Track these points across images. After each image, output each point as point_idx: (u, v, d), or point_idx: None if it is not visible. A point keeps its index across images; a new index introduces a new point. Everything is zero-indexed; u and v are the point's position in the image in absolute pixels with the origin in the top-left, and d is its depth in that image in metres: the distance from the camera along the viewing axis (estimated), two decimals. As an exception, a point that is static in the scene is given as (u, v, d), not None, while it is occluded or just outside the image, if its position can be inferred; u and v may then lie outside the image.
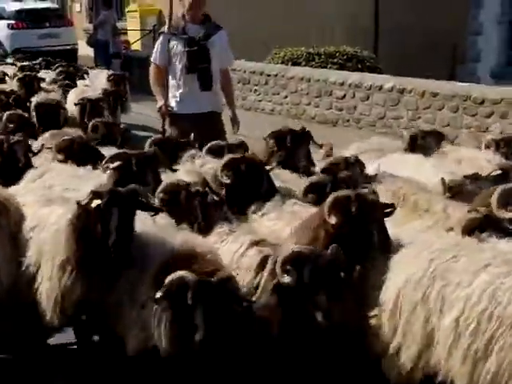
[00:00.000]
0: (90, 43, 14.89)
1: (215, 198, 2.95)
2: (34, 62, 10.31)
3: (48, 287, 2.90)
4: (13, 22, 15.95)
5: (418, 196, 3.29)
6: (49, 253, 2.95)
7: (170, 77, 4.72)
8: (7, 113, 5.28)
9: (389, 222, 2.63)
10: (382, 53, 13.34)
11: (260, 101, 10.87)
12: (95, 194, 2.44)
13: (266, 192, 3.11)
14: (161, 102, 4.59)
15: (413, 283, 2.26)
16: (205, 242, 2.66)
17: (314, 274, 2.20)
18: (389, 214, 2.62)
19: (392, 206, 2.66)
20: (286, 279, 2.21)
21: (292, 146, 3.84)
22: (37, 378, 3.25)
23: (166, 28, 4.80)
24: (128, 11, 16.17)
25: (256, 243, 2.71)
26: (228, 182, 3.15)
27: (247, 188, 3.15)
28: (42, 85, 7.73)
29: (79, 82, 8.34)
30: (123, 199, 2.47)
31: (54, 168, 3.76)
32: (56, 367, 3.35)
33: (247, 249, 2.70)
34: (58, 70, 9.10)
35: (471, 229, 2.53)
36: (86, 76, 9.16)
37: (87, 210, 2.51)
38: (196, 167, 3.76)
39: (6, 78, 8.66)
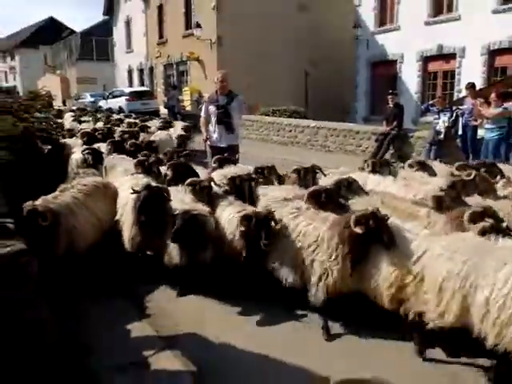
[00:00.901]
0: (165, 107, 21.46)
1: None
2: (142, 118, 13.38)
3: (126, 230, 4.30)
4: (128, 97, 22.10)
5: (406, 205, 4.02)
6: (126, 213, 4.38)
7: (210, 125, 6.84)
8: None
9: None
10: (309, 108, 19.73)
11: (249, 134, 15.97)
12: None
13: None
14: (204, 136, 6.87)
15: (453, 275, 2.75)
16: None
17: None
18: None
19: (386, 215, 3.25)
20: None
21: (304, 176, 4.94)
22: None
23: (207, 98, 7.34)
24: (184, 90, 23.10)
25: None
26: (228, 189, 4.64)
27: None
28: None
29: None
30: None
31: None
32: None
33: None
34: (160, 122, 12.37)
35: (483, 232, 2.96)
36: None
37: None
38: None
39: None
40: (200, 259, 3.86)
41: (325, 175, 5.20)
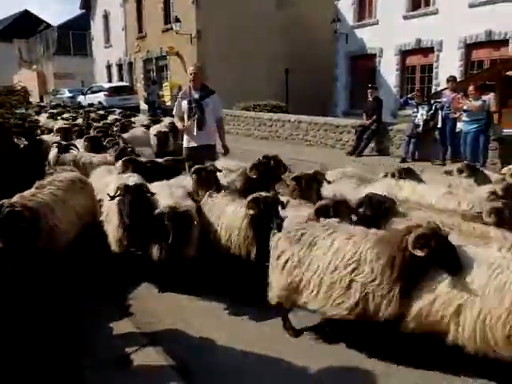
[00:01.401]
0: (145, 102, 21.58)
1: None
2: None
3: (112, 232, 4.20)
4: (107, 92, 22.00)
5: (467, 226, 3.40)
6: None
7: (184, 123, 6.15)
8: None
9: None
10: (290, 103, 19.72)
11: (231, 128, 15.71)
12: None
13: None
14: (181, 127, 6.21)
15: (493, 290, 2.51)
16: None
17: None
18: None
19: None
20: None
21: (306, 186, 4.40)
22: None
23: (180, 94, 6.53)
24: (164, 85, 22.76)
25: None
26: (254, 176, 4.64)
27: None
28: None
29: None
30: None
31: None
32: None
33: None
34: (147, 117, 12.84)
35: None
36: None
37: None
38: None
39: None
40: (184, 255, 3.83)
41: (329, 182, 4.70)
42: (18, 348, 2.77)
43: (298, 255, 3.17)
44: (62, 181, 4.53)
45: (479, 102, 8.45)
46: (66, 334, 3.26)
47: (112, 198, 4.10)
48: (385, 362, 3.04)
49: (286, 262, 3.22)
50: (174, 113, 6.46)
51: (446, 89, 10.71)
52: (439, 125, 9.98)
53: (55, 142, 6.77)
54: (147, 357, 3.06)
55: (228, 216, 4.07)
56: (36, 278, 3.45)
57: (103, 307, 3.83)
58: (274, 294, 3.34)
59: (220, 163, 5.50)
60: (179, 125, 6.38)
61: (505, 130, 9.53)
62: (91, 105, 20.22)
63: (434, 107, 10.28)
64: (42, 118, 11.98)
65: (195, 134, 6.05)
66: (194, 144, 6.10)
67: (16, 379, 2.61)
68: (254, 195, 3.77)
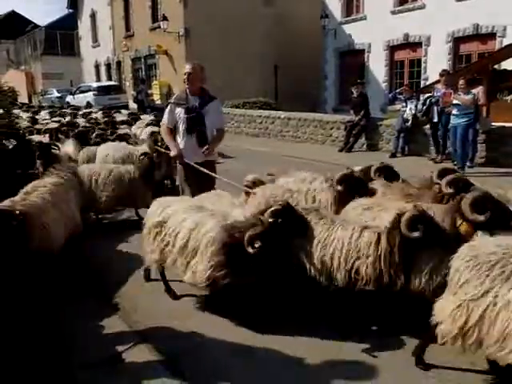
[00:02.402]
0: (134, 101, 21.44)
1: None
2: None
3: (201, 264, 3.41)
4: (96, 92, 21.87)
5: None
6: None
7: (177, 136, 4.96)
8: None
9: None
10: (279, 100, 19.85)
11: None
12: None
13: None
14: (174, 152, 4.81)
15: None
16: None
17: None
18: None
19: None
20: None
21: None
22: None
23: (172, 99, 5.08)
24: (153, 84, 22.81)
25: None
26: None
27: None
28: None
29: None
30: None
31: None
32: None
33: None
34: (128, 114, 13.23)
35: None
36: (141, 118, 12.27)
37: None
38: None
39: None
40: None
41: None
42: (8, 348, 2.74)
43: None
44: (53, 183, 4.47)
45: (470, 96, 8.49)
46: (56, 333, 3.22)
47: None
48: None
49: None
50: (163, 121, 5.05)
51: (436, 82, 10.69)
52: (435, 119, 9.90)
53: (37, 143, 6.73)
54: (139, 355, 3.05)
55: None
56: (28, 279, 3.40)
57: (94, 306, 3.80)
58: (449, 331, 2.56)
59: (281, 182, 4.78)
60: (168, 140, 5.05)
61: (493, 123, 9.60)
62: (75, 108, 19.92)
63: (428, 102, 10.22)
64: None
65: (195, 150, 4.82)
66: (192, 161, 4.83)
67: (6, 380, 2.56)
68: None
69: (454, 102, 8.72)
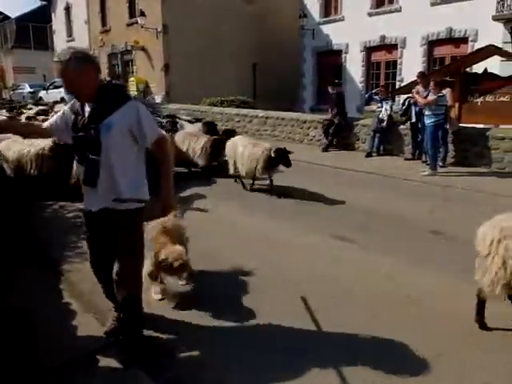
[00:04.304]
0: None
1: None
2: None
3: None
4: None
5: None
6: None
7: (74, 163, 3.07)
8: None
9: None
10: (257, 99, 19.47)
11: None
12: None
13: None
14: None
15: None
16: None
17: None
18: None
19: None
20: None
21: None
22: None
23: (68, 105, 2.95)
24: (130, 80, 22.38)
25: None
26: None
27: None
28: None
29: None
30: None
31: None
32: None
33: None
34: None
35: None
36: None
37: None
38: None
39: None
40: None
41: None
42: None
43: None
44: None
45: (433, 97, 8.65)
46: (23, 336, 3.12)
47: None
48: None
49: None
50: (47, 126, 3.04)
51: (413, 83, 10.76)
52: (413, 119, 10.00)
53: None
54: (113, 356, 2.98)
55: None
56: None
57: (66, 304, 3.71)
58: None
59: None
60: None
61: (465, 125, 9.81)
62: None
63: (407, 102, 10.35)
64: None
65: (86, 191, 2.91)
66: (94, 208, 2.89)
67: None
68: None
69: (419, 102, 8.95)
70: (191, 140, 8.99)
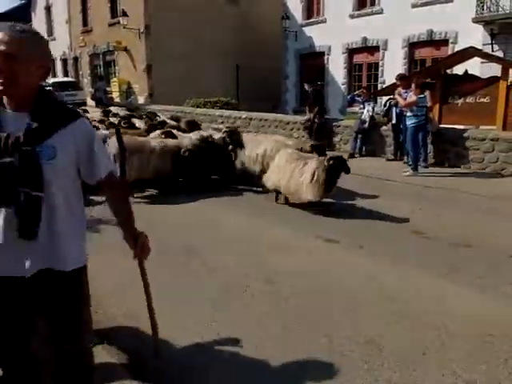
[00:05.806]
0: (92, 99, 21.27)
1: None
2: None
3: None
4: (51, 88, 19.72)
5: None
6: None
7: None
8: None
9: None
10: (240, 100, 19.70)
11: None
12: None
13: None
14: None
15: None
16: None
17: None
18: None
19: None
20: None
21: None
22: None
23: None
24: (112, 81, 22.33)
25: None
26: None
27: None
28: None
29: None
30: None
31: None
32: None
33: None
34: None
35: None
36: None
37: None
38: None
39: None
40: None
41: None
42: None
43: None
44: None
45: (413, 98, 8.74)
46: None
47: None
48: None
49: None
50: None
51: (393, 85, 10.89)
52: (393, 121, 10.09)
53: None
54: (97, 357, 2.91)
55: None
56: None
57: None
58: None
59: None
60: None
61: (445, 126, 9.95)
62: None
63: (388, 104, 10.45)
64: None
65: (12, 245, 1.77)
66: (11, 272, 1.82)
67: None
68: None
69: (399, 103, 9.06)
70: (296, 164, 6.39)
